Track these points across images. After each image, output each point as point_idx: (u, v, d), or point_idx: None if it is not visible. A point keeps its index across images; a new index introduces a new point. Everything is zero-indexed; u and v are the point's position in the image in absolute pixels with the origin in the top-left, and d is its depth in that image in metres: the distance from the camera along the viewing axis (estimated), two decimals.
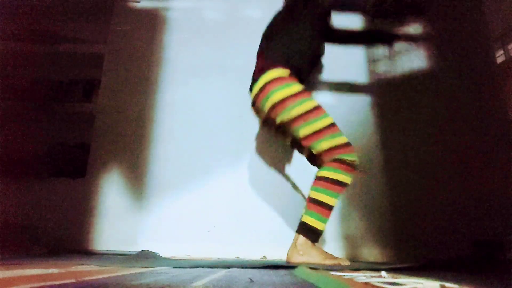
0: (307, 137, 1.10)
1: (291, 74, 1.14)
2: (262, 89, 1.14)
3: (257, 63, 1.25)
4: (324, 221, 1.06)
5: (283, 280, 0.59)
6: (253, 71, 1.24)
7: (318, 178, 1.09)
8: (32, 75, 1.88)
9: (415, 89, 1.63)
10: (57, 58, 1.85)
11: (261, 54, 1.26)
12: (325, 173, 1.08)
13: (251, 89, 1.23)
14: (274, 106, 1.12)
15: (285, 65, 1.15)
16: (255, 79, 1.19)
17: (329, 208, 1.06)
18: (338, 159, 1.07)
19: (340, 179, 1.06)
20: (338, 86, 1.66)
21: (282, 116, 1.12)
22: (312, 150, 1.13)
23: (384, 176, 1.51)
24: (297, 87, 1.12)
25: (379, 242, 1.43)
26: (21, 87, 1.83)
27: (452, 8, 1.73)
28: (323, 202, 1.06)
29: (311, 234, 1.05)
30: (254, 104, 1.23)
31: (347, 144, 1.09)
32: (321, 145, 1.09)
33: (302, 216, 1.09)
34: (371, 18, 1.58)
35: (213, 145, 1.60)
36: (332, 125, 1.11)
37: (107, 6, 1.88)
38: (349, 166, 1.08)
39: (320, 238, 1.10)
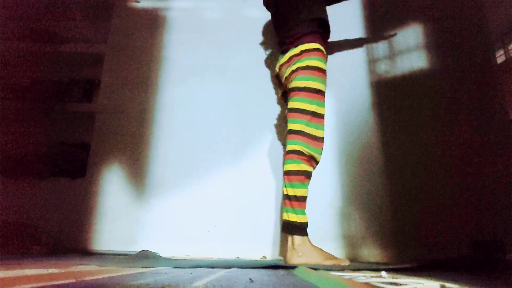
0: (293, 111, 1.14)
1: (321, 44, 1.18)
2: (288, 60, 1.19)
3: (282, 33, 1.27)
4: (303, 213, 1.10)
5: (283, 280, 0.59)
6: (279, 41, 1.29)
7: (285, 173, 1.13)
8: (32, 75, 1.88)
9: (415, 89, 1.63)
10: (57, 58, 1.85)
11: (285, 23, 1.26)
12: (289, 166, 1.12)
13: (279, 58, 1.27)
14: (291, 73, 1.16)
15: (315, 34, 1.18)
16: (284, 50, 1.23)
17: (302, 199, 1.10)
18: (298, 151, 1.10)
19: (303, 169, 1.10)
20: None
21: (291, 83, 1.16)
22: (287, 124, 1.17)
23: (384, 176, 1.51)
24: (318, 63, 1.14)
25: (379, 242, 1.43)
26: (21, 87, 1.83)
27: (452, 8, 1.73)
28: (295, 195, 1.09)
29: (298, 229, 1.07)
30: (277, 75, 1.28)
31: (318, 139, 1.12)
32: (295, 125, 1.12)
33: (282, 215, 1.12)
34: None
35: (213, 145, 1.60)
36: (319, 115, 1.13)
37: (107, 6, 1.88)
38: (310, 159, 1.11)
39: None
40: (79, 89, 1.83)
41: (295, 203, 1.09)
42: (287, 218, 1.10)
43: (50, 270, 0.64)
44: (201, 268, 0.80)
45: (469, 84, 1.61)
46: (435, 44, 1.69)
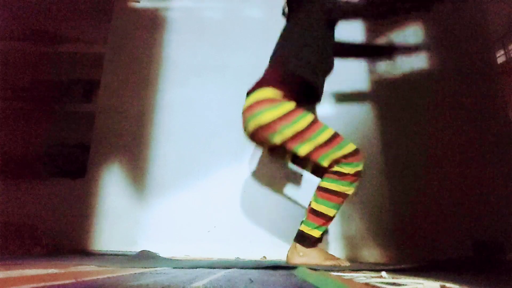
0: (310, 153, 1.04)
1: (285, 95, 1.07)
2: (249, 107, 1.09)
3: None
4: (322, 230, 1.05)
5: (283, 281, 0.59)
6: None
7: (320, 189, 1.05)
8: (32, 75, 1.88)
9: (415, 89, 1.63)
10: (57, 58, 1.85)
11: (271, 59, 1.22)
12: (327, 184, 1.04)
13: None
14: (261, 128, 1.06)
15: (281, 84, 1.08)
16: (247, 95, 1.14)
17: (330, 219, 1.05)
18: (340, 172, 1.03)
19: (342, 191, 1.03)
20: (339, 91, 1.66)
21: (275, 138, 1.05)
22: (318, 164, 1.06)
23: (384, 177, 1.51)
24: (287, 106, 1.05)
25: (380, 243, 1.43)
26: (21, 87, 1.83)
27: (453, 9, 1.73)
28: (323, 213, 1.04)
29: (308, 241, 1.05)
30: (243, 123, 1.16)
31: (354, 152, 1.04)
32: (329, 157, 1.03)
33: (300, 224, 1.08)
34: (374, 19, 1.51)
35: (213, 145, 1.60)
36: (335, 135, 1.05)
37: (107, 6, 1.88)
38: (353, 176, 1.03)
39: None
40: (79, 89, 1.83)
41: (324, 222, 1.04)
42: (306, 231, 1.05)
43: (50, 271, 0.64)
44: (201, 269, 0.80)
45: (469, 84, 1.61)
46: (435, 44, 1.69)
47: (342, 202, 1.05)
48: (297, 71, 1.09)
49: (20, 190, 1.57)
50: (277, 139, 1.05)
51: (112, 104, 1.68)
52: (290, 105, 1.06)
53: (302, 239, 1.05)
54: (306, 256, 1.03)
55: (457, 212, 1.43)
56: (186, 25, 1.82)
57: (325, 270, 0.78)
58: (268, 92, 1.07)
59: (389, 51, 1.49)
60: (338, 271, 0.79)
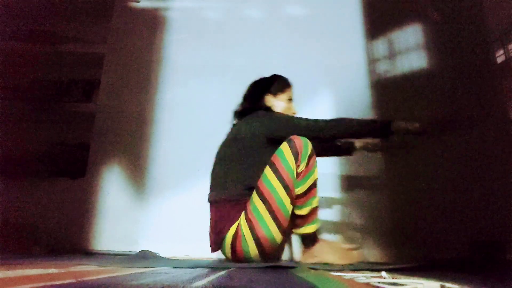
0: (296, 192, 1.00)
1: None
2: (234, 252, 0.99)
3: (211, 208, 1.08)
4: (316, 222, 1.03)
5: (282, 280, 0.59)
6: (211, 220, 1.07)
7: (298, 197, 1.00)
8: (32, 75, 1.88)
9: (415, 89, 1.63)
10: (57, 58, 1.85)
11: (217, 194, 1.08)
12: (301, 188, 1.00)
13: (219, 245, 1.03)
14: (263, 245, 0.98)
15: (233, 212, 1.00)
16: (216, 239, 1.02)
17: (317, 208, 1.03)
18: (304, 170, 0.99)
19: (316, 177, 1.02)
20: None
21: (278, 236, 0.98)
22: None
23: (384, 176, 1.51)
24: (243, 214, 0.98)
25: (379, 243, 1.43)
26: (21, 87, 1.83)
27: (452, 8, 1.73)
28: (311, 211, 1.01)
29: (307, 239, 1.03)
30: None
31: (293, 146, 0.98)
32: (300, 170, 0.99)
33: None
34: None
35: (213, 145, 1.60)
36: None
37: (107, 6, 1.88)
38: (311, 158, 1.00)
39: (324, 237, 1.09)
40: (79, 89, 1.83)
41: (311, 217, 1.02)
42: (300, 232, 1.03)
43: (50, 270, 0.64)
44: (201, 268, 0.80)
45: (469, 84, 1.61)
46: (435, 44, 1.70)
47: (316, 188, 1.02)
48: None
49: (20, 190, 1.57)
50: (281, 233, 0.99)
51: (112, 104, 1.69)
52: (241, 206, 1.00)
53: (303, 241, 1.03)
54: (318, 257, 1.00)
55: (456, 212, 1.43)
56: (186, 25, 1.82)
57: (325, 270, 0.78)
58: (231, 232, 0.99)
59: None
60: (338, 270, 0.79)
